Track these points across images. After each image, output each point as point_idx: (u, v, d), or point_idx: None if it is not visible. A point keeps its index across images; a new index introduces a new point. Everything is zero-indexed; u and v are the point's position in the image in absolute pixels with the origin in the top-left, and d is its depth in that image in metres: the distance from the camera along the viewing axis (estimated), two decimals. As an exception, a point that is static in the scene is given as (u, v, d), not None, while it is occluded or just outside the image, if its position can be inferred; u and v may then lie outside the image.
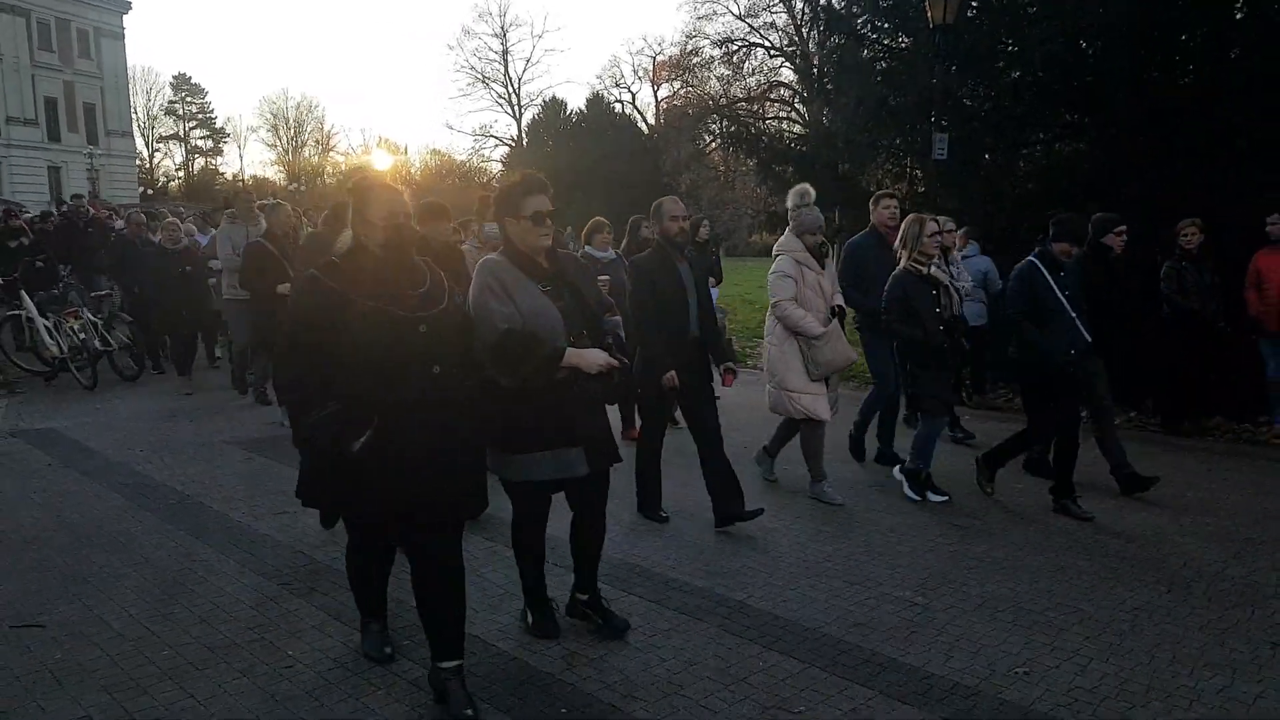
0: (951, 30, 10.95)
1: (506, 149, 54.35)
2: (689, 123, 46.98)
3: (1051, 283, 5.90)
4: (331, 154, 68.34)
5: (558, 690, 3.75)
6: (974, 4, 11.82)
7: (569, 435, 3.87)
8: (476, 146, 57.12)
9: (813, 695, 3.71)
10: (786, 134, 29.67)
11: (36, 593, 4.69)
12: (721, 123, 46.79)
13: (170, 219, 10.89)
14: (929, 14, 10.92)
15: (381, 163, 66.61)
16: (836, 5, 13.42)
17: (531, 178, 3.91)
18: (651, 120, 50.79)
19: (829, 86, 13.25)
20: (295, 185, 60.44)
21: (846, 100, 12.58)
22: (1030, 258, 6.08)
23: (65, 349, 10.07)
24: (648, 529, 5.76)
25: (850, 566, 5.12)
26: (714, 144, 48.26)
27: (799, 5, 44.32)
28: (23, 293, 10.56)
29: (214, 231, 10.94)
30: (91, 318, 10.18)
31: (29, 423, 8.48)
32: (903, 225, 6.26)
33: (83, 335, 10.01)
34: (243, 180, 66.71)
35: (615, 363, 3.82)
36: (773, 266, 6.25)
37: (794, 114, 45.48)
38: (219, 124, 68.72)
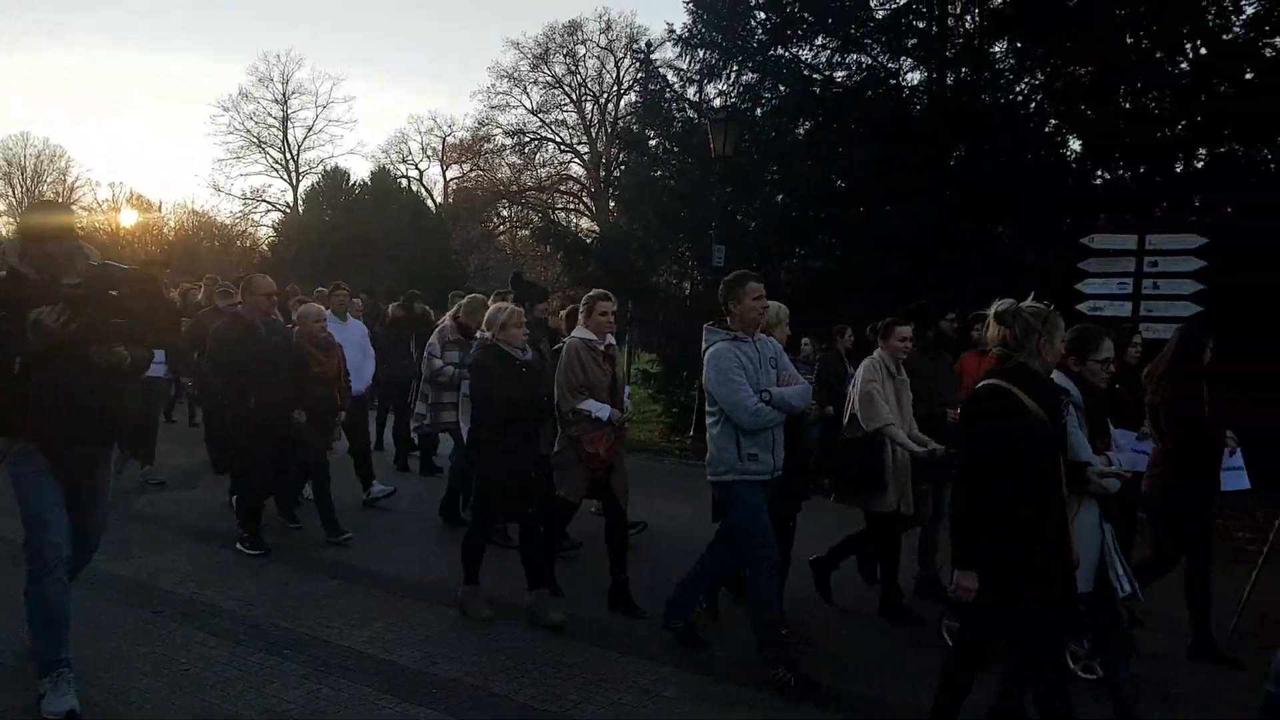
0: (729, 159, 13.27)
1: (279, 214, 53.04)
2: (479, 204, 48.56)
3: None
4: (74, 208, 64.18)
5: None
6: (747, 138, 14.21)
7: None
8: (246, 210, 54.94)
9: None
10: (574, 227, 31.88)
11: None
12: (511, 208, 48.93)
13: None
14: (710, 145, 13.21)
15: (128, 220, 62.14)
16: (633, 129, 15.66)
17: None
18: (439, 198, 51.83)
19: (625, 196, 15.35)
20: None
21: (645, 209, 14.68)
22: None
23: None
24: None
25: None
26: (503, 227, 50.10)
27: (588, 108, 47.46)
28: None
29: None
30: None
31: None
32: None
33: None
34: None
35: None
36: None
37: (582, 205, 48.02)
38: (-65, 166, 62.86)
